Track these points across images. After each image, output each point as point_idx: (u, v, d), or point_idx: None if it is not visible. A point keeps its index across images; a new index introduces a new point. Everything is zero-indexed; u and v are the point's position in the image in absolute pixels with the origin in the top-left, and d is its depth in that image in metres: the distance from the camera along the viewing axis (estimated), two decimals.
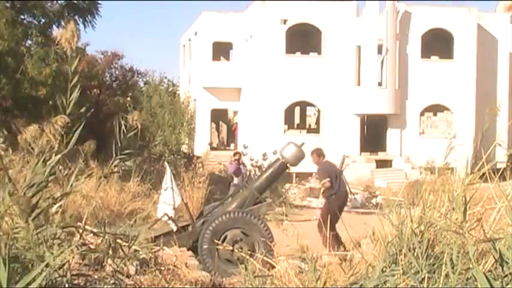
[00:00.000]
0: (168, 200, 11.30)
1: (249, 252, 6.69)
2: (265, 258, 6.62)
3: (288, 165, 11.69)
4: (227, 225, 10.69)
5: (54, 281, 3.54)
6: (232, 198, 12.01)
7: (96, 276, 4.26)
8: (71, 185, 3.83)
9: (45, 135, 3.70)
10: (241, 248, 9.44)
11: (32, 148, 3.82)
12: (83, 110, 4.36)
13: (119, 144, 4.33)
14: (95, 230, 4.61)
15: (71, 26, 3.78)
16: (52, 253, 3.52)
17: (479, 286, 2.91)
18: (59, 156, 3.68)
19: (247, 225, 10.72)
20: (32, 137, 3.76)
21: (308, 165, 13.94)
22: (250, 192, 11.49)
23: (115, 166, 4.40)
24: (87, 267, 4.39)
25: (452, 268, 3.52)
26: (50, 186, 3.89)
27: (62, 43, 3.83)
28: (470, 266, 3.50)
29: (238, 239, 10.62)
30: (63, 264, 3.65)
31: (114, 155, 4.34)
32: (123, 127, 4.37)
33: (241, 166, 20.19)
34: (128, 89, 40.25)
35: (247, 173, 21.51)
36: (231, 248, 10.20)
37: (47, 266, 3.28)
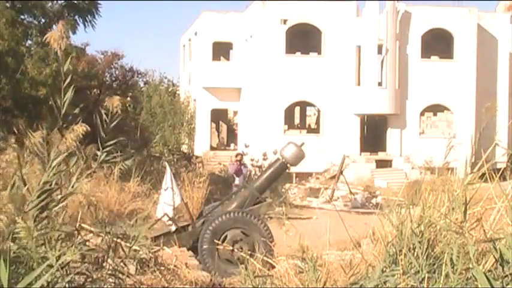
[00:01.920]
0: (168, 201, 11.30)
1: (249, 252, 6.69)
2: (265, 258, 6.62)
3: (288, 165, 11.69)
4: (227, 225, 10.70)
5: (54, 280, 3.54)
6: (232, 198, 12.02)
7: (96, 276, 4.26)
8: (72, 186, 3.83)
9: (64, 141, 3.71)
10: (241, 248, 9.44)
11: (40, 151, 3.83)
12: (76, 111, 4.30)
13: (104, 136, 4.24)
14: (95, 230, 4.61)
15: (60, 26, 3.78)
16: (53, 254, 3.52)
17: (479, 286, 2.91)
18: (62, 156, 3.67)
19: (247, 225, 10.73)
20: (49, 142, 3.77)
21: (308, 165, 13.91)
22: (250, 192, 11.50)
23: (104, 161, 4.33)
24: (87, 266, 4.39)
25: (452, 268, 3.52)
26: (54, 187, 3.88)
27: (52, 43, 3.82)
28: (471, 266, 3.50)
29: (238, 239, 10.62)
30: (67, 263, 3.66)
31: (101, 148, 4.25)
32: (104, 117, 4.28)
33: (243, 167, 20.29)
34: (128, 89, 40.22)
35: (248, 173, 21.56)
36: (231, 248, 10.20)
37: (49, 266, 3.28)
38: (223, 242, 10.26)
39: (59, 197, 3.84)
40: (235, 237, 10.62)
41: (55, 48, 3.84)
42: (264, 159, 25.81)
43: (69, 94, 3.84)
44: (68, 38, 3.89)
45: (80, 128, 3.78)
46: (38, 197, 3.59)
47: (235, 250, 9.82)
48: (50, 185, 3.71)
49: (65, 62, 3.87)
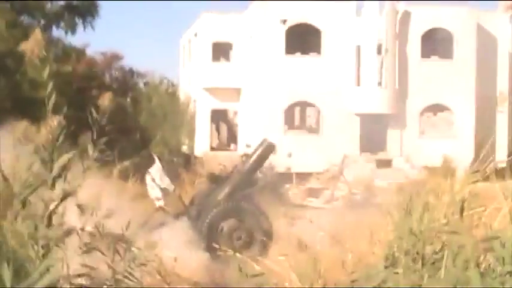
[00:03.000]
0: (152, 183, 11.69)
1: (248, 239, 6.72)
2: (265, 258, 6.63)
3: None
4: (221, 217, 10.85)
5: (54, 281, 3.54)
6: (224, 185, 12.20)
7: (95, 277, 4.26)
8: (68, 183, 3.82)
9: (41, 134, 3.69)
10: (240, 238, 9.52)
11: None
12: (64, 112, 4.21)
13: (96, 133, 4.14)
14: (95, 230, 4.61)
15: (35, 34, 3.76)
16: (55, 255, 3.53)
17: (476, 286, 2.92)
18: (69, 155, 3.65)
19: (240, 214, 10.88)
20: (25, 135, 3.75)
21: (308, 165, 13.96)
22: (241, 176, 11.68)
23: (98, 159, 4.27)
24: (87, 267, 4.39)
25: (452, 267, 3.53)
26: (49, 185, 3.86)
27: (26, 53, 3.80)
28: (469, 265, 3.50)
29: (234, 228, 10.76)
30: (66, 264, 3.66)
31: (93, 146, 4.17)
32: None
33: None
34: (128, 90, 40.26)
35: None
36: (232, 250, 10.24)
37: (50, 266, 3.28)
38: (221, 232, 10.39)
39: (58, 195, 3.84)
40: (232, 227, 10.74)
41: (29, 58, 3.82)
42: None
43: (53, 100, 3.81)
44: (44, 47, 3.83)
45: (55, 120, 3.75)
46: (21, 193, 3.57)
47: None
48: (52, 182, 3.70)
49: (43, 69, 3.84)
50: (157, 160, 12.16)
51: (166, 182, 11.95)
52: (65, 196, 3.68)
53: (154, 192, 11.62)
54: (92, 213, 4.28)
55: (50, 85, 3.67)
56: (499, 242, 3.36)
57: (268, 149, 11.95)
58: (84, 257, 4.23)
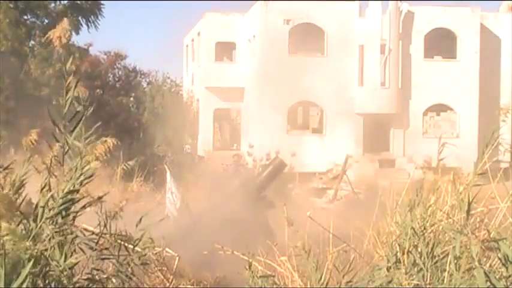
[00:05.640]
0: (171, 202, 11.49)
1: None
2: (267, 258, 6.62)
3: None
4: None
5: (60, 281, 3.55)
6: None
7: (98, 277, 4.26)
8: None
9: (94, 153, 3.71)
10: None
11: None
12: (79, 108, 4.13)
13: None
14: (97, 230, 4.61)
15: (63, 23, 3.76)
16: (63, 255, 3.53)
17: (481, 286, 2.91)
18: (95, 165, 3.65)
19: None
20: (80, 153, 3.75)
21: (311, 165, 13.96)
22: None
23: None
24: (89, 267, 4.39)
25: (456, 267, 3.52)
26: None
27: (54, 41, 3.80)
28: (474, 265, 3.49)
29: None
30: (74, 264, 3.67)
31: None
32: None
33: (241, 168, 20.61)
34: (131, 89, 40.23)
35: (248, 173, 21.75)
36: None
37: (57, 266, 3.28)
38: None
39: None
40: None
41: (57, 46, 3.81)
42: (268, 160, 25.86)
43: (72, 93, 3.80)
44: (70, 35, 3.83)
45: (111, 141, 3.77)
46: (62, 204, 3.61)
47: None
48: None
49: (67, 61, 3.85)
50: (168, 173, 11.96)
51: (179, 201, 11.78)
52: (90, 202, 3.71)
53: (171, 209, 11.43)
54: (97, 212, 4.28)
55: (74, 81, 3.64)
56: (505, 243, 3.35)
57: (280, 166, 11.84)
58: (90, 257, 4.24)
